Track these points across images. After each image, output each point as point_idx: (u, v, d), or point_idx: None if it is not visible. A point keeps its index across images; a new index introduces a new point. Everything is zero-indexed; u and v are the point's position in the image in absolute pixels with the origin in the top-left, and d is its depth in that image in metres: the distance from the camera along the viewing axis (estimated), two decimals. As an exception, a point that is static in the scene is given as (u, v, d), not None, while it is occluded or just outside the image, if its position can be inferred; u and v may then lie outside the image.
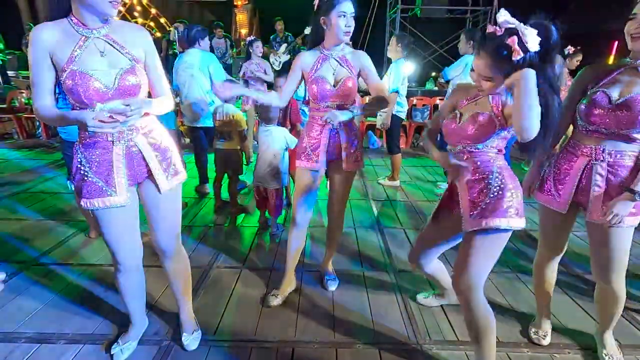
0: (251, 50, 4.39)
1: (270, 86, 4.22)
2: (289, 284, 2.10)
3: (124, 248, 1.48)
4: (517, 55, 1.11)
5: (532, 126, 1.10)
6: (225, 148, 3.04)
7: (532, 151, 1.25)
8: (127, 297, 1.61)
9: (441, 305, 2.01)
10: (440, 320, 1.92)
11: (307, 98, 2.96)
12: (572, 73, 4.48)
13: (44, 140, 5.94)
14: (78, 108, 1.27)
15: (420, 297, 2.05)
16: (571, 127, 1.55)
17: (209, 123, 3.31)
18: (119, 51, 1.29)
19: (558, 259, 1.70)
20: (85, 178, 1.34)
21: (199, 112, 3.30)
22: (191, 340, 1.71)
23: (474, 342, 1.44)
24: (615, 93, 1.35)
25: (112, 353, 1.62)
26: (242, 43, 8.15)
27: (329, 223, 2.14)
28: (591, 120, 1.40)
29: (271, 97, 1.91)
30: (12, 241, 2.65)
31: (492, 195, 1.30)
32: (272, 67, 5.14)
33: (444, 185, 3.47)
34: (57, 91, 1.32)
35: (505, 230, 1.31)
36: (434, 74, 8.33)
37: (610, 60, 7.69)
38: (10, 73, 7.62)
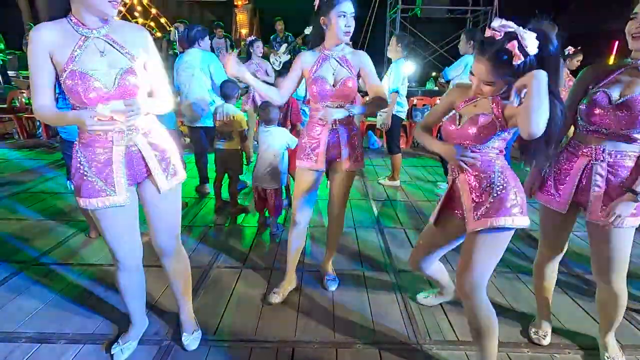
0: (252, 51, 4.39)
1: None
2: (290, 282, 2.11)
3: (123, 248, 1.48)
4: (518, 60, 1.11)
5: (540, 125, 1.11)
6: (225, 148, 3.04)
7: (531, 155, 1.26)
8: (127, 297, 1.61)
9: (441, 306, 2.01)
10: (440, 320, 1.92)
11: (307, 98, 2.96)
12: (573, 73, 4.47)
13: (45, 140, 5.93)
14: (78, 108, 1.27)
15: (420, 297, 2.06)
16: (572, 128, 1.55)
17: (209, 123, 3.31)
18: (119, 51, 1.29)
19: (558, 259, 1.70)
20: (85, 178, 1.34)
21: (199, 112, 3.30)
22: (191, 340, 1.71)
23: (475, 342, 1.44)
24: (615, 93, 1.36)
25: (112, 353, 1.62)
26: (243, 43, 8.14)
27: (329, 223, 2.14)
28: (591, 120, 1.41)
29: (271, 91, 1.87)
30: (12, 241, 2.65)
31: (495, 195, 1.31)
32: (272, 67, 5.13)
33: (444, 185, 3.46)
34: (57, 91, 1.32)
35: (510, 228, 1.31)
36: (434, 74, 8.31)
37: (611, 60, 7.68)
38: (10, 73, 7.62)
